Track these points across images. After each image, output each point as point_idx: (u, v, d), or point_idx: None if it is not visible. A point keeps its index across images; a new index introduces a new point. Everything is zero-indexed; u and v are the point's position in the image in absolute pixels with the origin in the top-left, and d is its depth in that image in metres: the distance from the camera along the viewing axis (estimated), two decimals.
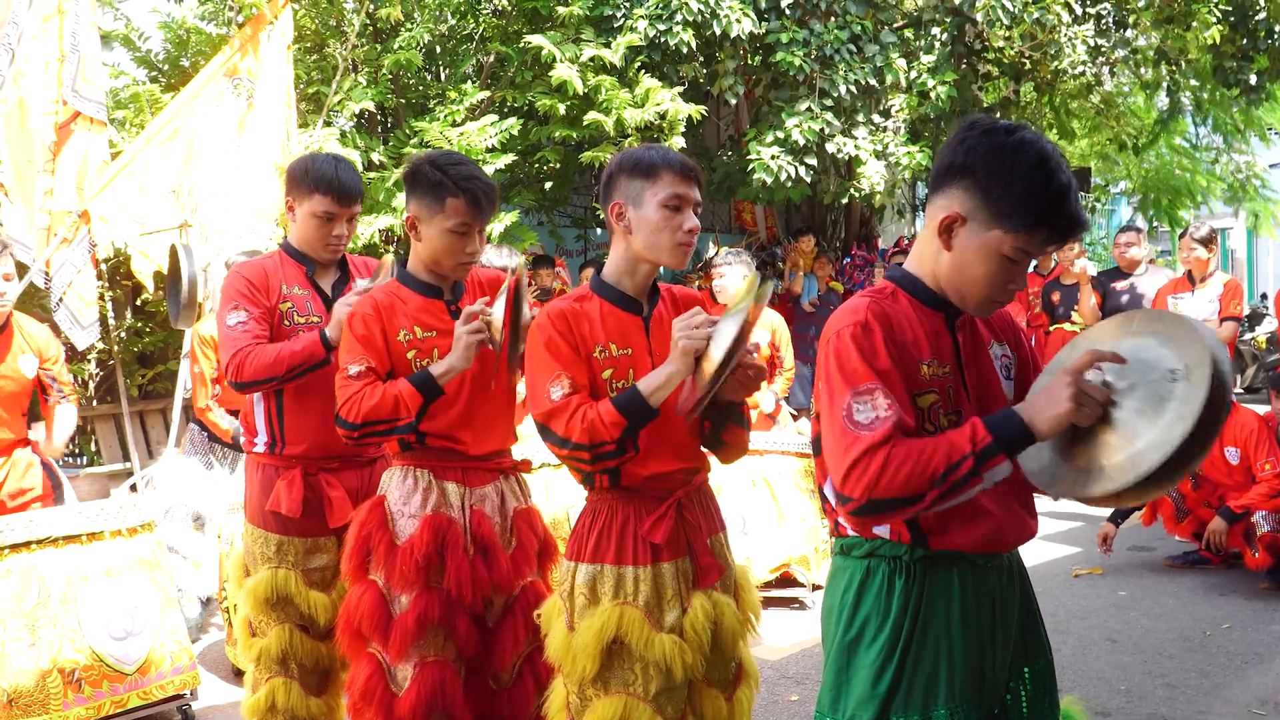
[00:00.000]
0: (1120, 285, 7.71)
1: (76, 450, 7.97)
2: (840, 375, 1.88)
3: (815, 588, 5.76)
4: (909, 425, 1.84)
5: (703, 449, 2.61)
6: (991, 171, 1.89)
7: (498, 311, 2.79)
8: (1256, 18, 10.38)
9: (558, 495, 5.08)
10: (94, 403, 7.93)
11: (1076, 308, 8.06)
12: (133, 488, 6.83)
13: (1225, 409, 1.70)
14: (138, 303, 7.90)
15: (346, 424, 2.87)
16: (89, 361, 7.79)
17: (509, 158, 7.76)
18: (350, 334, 2.94)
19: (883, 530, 1.98)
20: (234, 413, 5.35)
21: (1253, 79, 10.80)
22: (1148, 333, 1.82)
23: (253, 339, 3.25)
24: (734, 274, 6.15)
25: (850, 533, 2.04)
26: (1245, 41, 10.60)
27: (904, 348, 1.93)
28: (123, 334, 7.84)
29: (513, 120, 7.78)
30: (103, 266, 7.32)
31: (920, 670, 1.94)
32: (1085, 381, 1.77)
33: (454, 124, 7.66)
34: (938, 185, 2.00)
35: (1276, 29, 10.44)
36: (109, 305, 7.64)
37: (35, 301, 6.87)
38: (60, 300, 6.56)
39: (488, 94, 8.28)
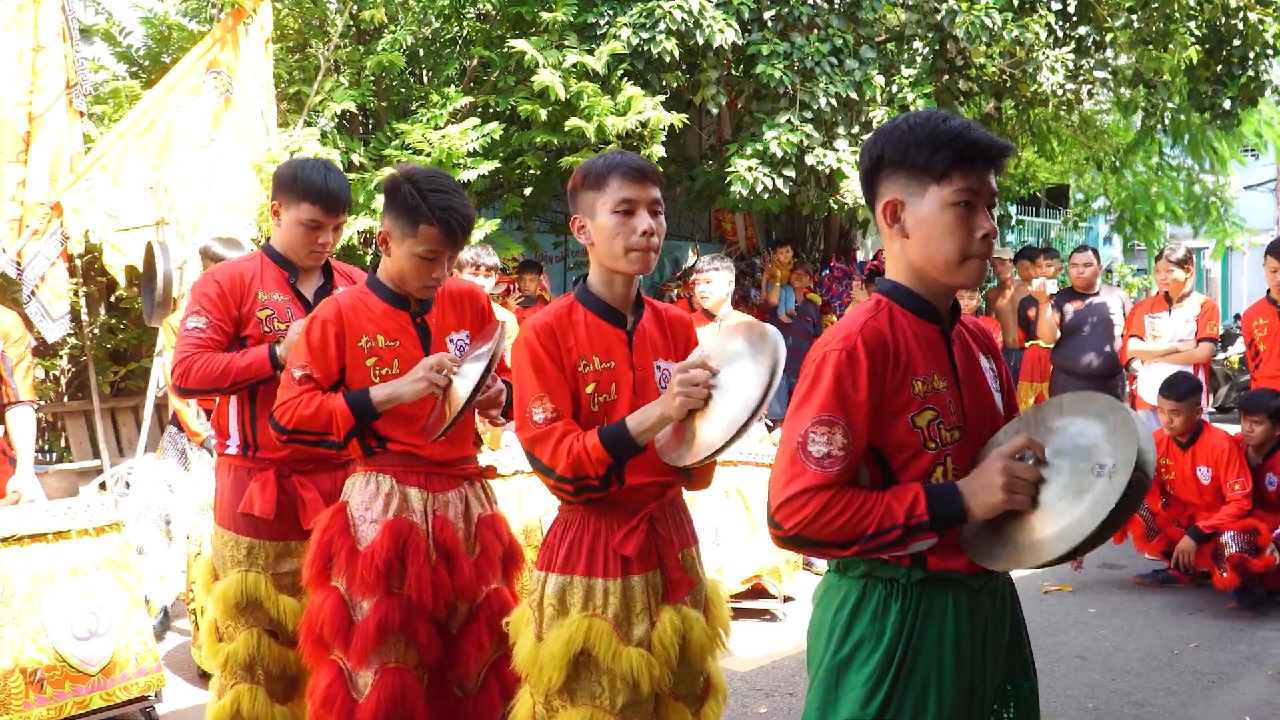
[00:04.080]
0: (1075, 305, 7.77)
1: (46, 446, 7.89)
2: (811, 395, 1.91)
3: (786, 599, 5.76)
4: (852, 472, 1.89)
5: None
6: (895, 146, 1.98)
7: (462, 384, 2.77)
8: (1233, 43, 10.47)
9: (530, 503, 5.06)
10: (65, 399, 7.86)
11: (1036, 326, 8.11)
12: (102, 486, 6.77)
13: (1137, 507, 1.78)
14: (112, 299, 7.84)
15: (277, 426, 2.92)
16: (61, 357, 7.73)
17: (491, 164, 7.74)
18: (305, 337, 2.93)
19: None
20: (208, 412, 5.30)
21: (1226, 104, 10.90)
22: (1098, 416, 1.88)
23: (202, 347, 3.24)
24: (720, 280, 6.12)
25: None
26: (1220, 68, 10.69)
27: (895, 371, 1.94)
28: (96, 330, 7.77)
29: (494, 125, 7.76)
30: (77, 262, 7.26)
31: (911, 691, 1.93)
32: (1017, 469, 1.83)
33: (436, 127, 7.63)
34: (870, 197, 2.06)
35: (1251, 56, 10.52)
36: (82, 301, 7.57)
37: (7, 294, 6.81)
38: (32, 293, 6.51)
39: (470, 99, 8.26)
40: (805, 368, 1.96)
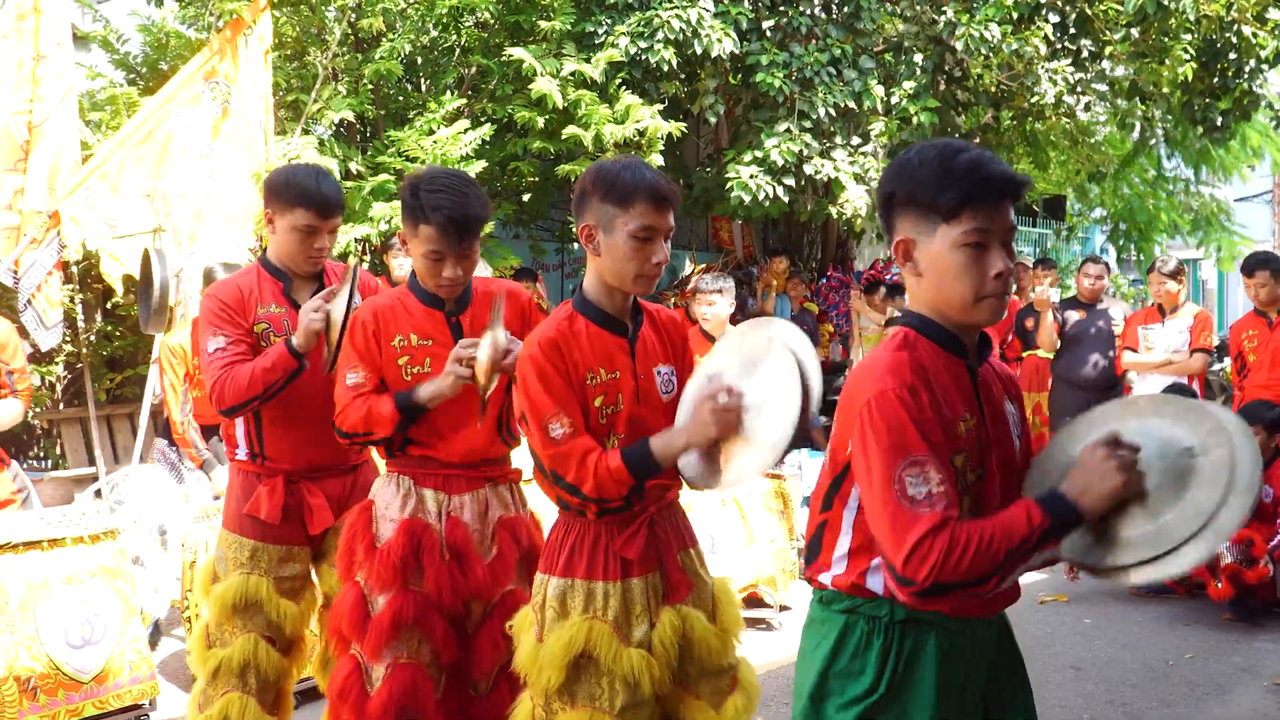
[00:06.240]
0: (1078, 314, 7.77)
1: (41, 454, 7.88)
2: (889, 441, 1.80)
3: (783, 608, 5.75)
4: (955, 499, 1.80)
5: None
6: (907, 183, 1.91)
7: (483, 354, 2.79)
8: (1229, 56, 10.48)
9: (534, 506, 5.04)
10: (61, 406, 7.84)
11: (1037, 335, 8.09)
12: (97, 493, 6.75)
13: (1258, 478, 1.71)
14: (108, 306, 7.82)
15: (339, 431, 3.02)
16: (57, 364, 7.71)
17: (481, 164, 7.72)
18: (349, 342, 3.01)
19: (876, 585, 1.93)
20: (213, 427, 5.26)
21: (1219, 119, 10.90)
22: (1154, 413, 1.84)
23: (229, 365, 3.21)
24: (723, 302, 6.18)
25: (830, 586, 2.00)
26: (1215, 80, 10.69)
27: (941, 406, 1.86)
28: (92, 337, 7.76)
29: (486, 127, 7.75)
30: (73, 269, 7.26)
31: None
32: (1122, 452, 1.77)
33: (429, 133, 7.62)
34: (887, 231, 2.00)
35: (1246, 69, 10.53)
36: (79, 308, 7.56)
37: (3, 302, 6.81)
38: (28, 302, 6.51)
39: (466, 102, 8.27)
40: (862, 414, 1.84)
